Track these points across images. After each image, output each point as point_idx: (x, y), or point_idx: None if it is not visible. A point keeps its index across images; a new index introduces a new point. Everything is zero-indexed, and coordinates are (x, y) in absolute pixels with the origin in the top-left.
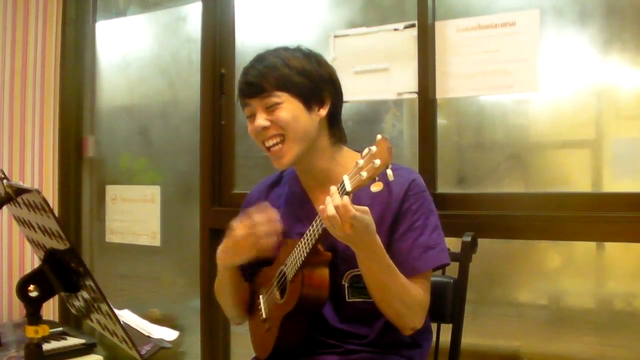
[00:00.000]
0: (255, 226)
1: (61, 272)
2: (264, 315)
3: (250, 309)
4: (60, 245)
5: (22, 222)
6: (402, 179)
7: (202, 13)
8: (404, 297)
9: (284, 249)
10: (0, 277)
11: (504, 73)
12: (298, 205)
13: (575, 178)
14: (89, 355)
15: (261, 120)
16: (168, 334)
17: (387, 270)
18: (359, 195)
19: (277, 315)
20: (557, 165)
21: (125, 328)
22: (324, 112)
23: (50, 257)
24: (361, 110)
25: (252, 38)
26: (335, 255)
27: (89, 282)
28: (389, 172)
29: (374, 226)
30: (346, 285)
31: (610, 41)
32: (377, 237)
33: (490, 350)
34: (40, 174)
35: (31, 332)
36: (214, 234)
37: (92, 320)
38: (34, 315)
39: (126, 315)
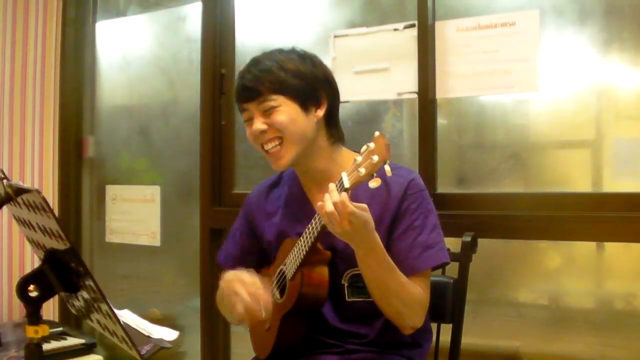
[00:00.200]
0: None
1: (61, 272)
2: None
3: None
4: (60, 245)
5: (22, 222)
6: (401, 179)
7: (202, 13)
8: (404, 296)
9: (284, 248)
10: (0, 277)
11: (504, 73)
12: (297, 206)
13: (575, 178)
14: (89, 355)
15: (259, 124)
16: (168, 334)
17: (386, 268)
18: (357, 194)
19: (277, 314)
20: (557, 165)
21: (125, 328)
22: (321, 112)
23: (50, 257)
24: (361, 110)
25: (252, 38)
26: (335, 254)
27: (89, 282)
28: (387, 168)
29: (372, 223)
30: (346, 284)
31: (609, 41)
32: (376, 234)
33: (490, 350)
34: (40, 174)
35: (31, 332)
36: (214, 234)
37: (92, 320)
38: (34, 315)
39: (126, 315)
